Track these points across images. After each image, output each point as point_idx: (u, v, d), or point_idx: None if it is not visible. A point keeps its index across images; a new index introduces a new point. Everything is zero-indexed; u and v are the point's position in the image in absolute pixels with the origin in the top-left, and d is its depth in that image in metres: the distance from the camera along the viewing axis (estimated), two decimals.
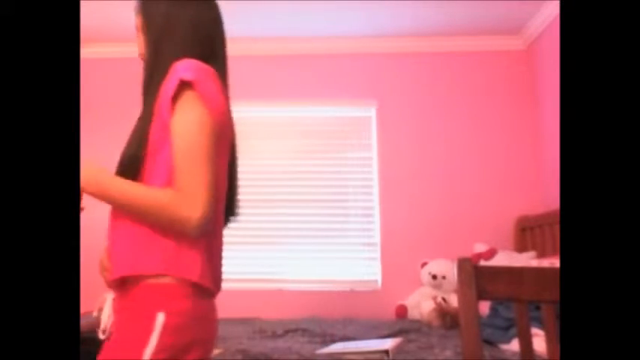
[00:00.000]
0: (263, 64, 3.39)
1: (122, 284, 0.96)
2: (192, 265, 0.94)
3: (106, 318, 1.01)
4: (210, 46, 1.08)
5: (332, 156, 3.28)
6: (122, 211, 0.95)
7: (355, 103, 3.32)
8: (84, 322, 1.54)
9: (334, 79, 3.36)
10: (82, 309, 1.24)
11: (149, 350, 0.87)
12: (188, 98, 0.94)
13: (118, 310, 0.98)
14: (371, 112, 3.32)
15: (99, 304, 1.05)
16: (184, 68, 0.96)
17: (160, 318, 0.88)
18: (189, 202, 0.89)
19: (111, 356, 0.93)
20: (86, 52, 3.34)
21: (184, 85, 0.94)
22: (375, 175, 3.24)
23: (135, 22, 1.12)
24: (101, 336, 0.99)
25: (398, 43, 3.34)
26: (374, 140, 3.28)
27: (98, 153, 2.80)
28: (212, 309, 1.01)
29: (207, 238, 0.98)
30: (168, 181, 0.94)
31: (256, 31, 3.22)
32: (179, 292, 0.92)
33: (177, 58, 0.99)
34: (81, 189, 0.96)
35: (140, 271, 0.92)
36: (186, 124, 0.93)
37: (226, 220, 1.12)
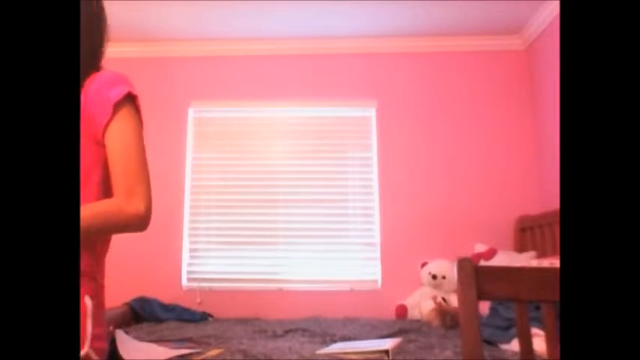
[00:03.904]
0: (263, 64, 3.39)
1: None
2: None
3: None
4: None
5: (332, 156, 3.28)
6: (83, 235, 0.97)
7: (355, 103, 3.32)
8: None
9: (334, 79, 3.36)
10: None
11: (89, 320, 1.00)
12: (130, 110, 1.05)
13: None
14: (371, 112, 3.32)
15: None
16: (126, 81, 1.07)
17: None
18: (135, 201, 1.00)
19: None
20: None
21: (128, 97, 1.06)
22: (375, 175, 3.24)
23: None
24: None
25: (398, 43, 3.34)
26: (374, 140, 3.28)
27: None
28: None
29: None
30: (100, 199, 1.05)
31: (256, 31, 3.23)
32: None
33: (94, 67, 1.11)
34: None
35: None
36: (130, 132, 1.04)
37: None
